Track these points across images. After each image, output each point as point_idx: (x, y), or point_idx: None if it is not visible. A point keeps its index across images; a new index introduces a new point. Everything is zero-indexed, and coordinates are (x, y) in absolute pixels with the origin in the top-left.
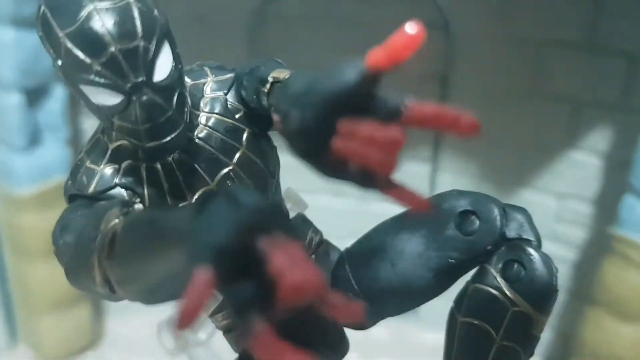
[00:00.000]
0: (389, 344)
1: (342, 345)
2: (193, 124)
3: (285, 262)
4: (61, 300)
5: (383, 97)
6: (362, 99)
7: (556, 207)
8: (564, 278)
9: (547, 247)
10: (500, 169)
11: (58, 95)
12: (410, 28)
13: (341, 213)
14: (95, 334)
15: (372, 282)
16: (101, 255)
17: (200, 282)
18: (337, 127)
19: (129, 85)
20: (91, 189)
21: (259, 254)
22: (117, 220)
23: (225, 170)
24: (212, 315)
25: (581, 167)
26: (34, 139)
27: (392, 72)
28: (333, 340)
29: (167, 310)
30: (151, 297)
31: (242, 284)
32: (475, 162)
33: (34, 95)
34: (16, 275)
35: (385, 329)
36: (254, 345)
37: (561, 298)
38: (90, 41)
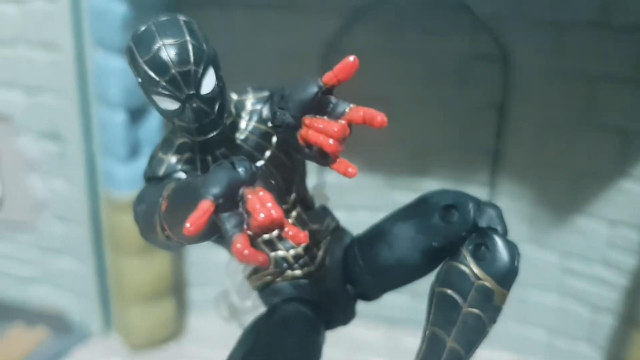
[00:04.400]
0: None
1: (351, 312)
2: (236, 128)
3: (257, 204)
4: (150, 294)
5: (334, 102)
6: (320, 103)
7: (608, 233)
8: (614, 303)
9: (599, 272)
10: (555, 194)
11: (156, 115)
12: (351, 58)
13: None
14: (177, 327)
15: (374, 260)
16: (160, 211)
17: (202, 209)
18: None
19: (183, 96)
20: (161, 173)
21: (242, 197)
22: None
23: (258, 164)
24: (248, 277)
25: (632, 195)
26: (134, 151)
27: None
28: (344, 308)
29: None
30: (190, 238)
31: (232, 214)
32: (531, 188)
33: (136, 114)
34: (113, 269)
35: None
36: (235, 250)
37: (611, 322)
38: (159, 66)
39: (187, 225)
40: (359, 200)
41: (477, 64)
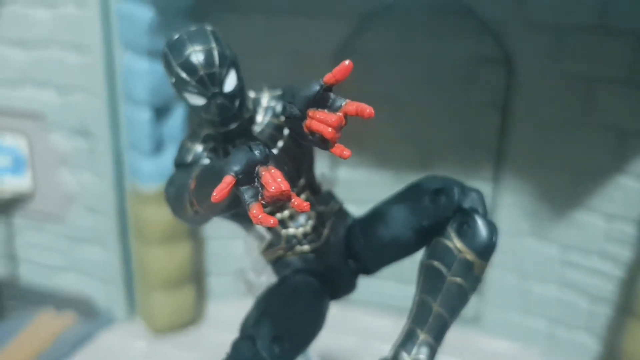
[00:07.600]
0: (452, 349)
1: (352, 284)
2: (254, 122)
3: (269, 179)
4: (172, 282)
5: (333, 97)
6: (321, 99)
7: (605, 227)
8: (611, 294)
9: (597, 264)
10: (555, 189)
11: (179, 113)
12: (347, 62)
13: None
14: (197, 313)
15: (372, 237)
16: (189, 189)
17: (226, 182)
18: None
19: (209, 93)
20: (189, 159)
21: (258, 174)
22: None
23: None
24: (263, 252)
25: (628, 190)
26: (158, 147)
27: (337, 85)
28: (346, 280)
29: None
30: (215, 208)
31: (250, 187)
32: (532, 184)
33: (161, 112)
34: (137, 258)
35: (448, 335)
36: (252, 215)
37: (608, 312)
38: (190, 68)
39: (214, 194)
40: (369, 194)
41: (481, 66)
